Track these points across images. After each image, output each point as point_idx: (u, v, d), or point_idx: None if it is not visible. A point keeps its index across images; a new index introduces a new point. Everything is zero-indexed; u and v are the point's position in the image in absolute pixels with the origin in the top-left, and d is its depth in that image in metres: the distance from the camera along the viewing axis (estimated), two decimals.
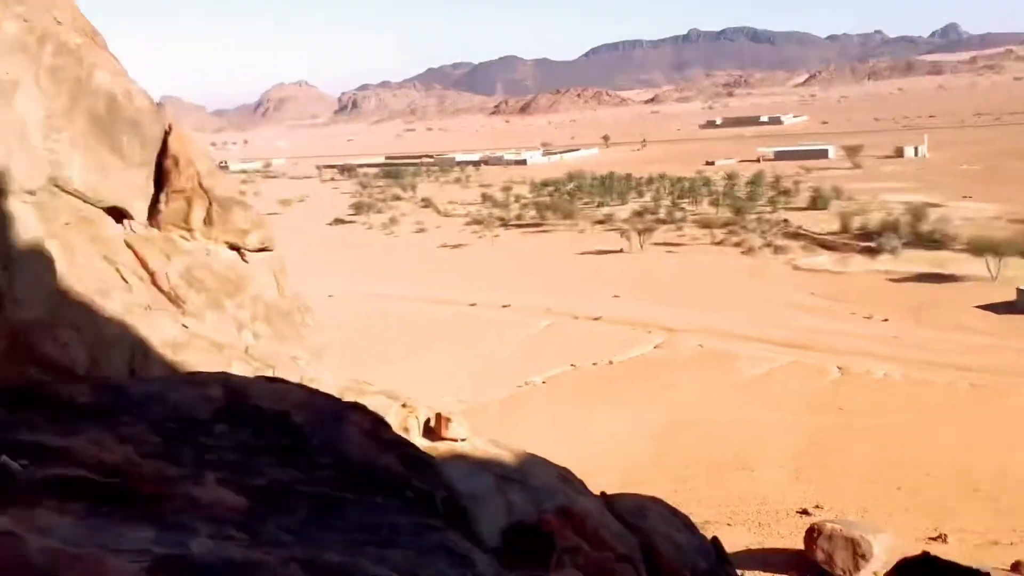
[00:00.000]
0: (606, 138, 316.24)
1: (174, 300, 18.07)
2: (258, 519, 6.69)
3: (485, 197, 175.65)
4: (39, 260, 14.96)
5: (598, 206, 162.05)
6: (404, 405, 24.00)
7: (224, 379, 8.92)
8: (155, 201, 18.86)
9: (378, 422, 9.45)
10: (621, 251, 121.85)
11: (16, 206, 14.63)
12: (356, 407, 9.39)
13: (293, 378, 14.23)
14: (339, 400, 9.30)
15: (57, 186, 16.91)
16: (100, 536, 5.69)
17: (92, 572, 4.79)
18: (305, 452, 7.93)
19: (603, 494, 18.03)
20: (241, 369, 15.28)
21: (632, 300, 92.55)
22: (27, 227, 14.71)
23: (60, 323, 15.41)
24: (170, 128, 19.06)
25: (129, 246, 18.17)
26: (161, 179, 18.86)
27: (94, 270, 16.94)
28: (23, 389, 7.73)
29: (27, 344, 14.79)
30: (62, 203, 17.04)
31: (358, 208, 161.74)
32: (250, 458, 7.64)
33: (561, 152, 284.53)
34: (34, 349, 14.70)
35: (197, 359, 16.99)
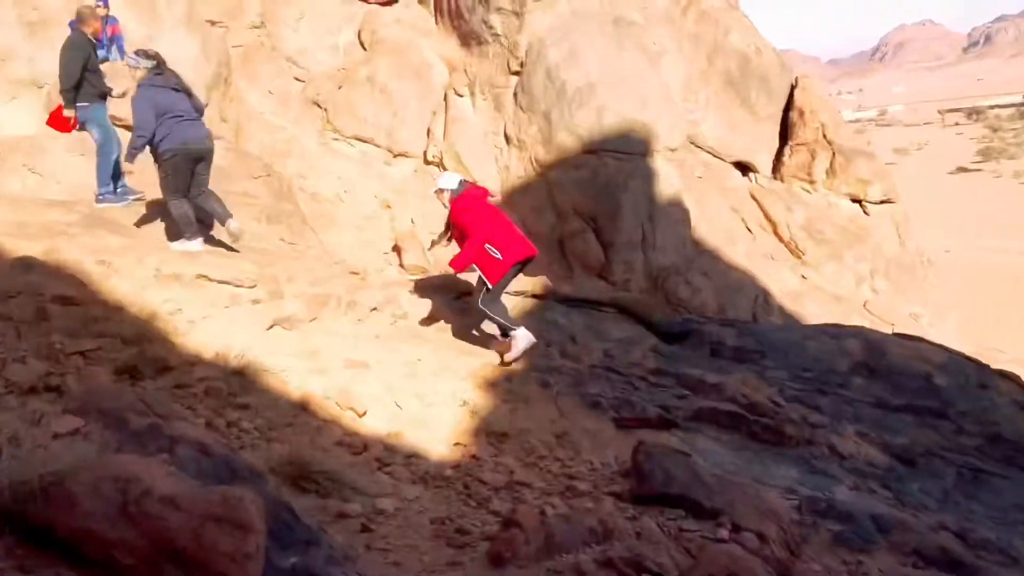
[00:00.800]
0: None
1: (794, 251, 18.48)
2: (899, 479, 6.52)
3: None
4: (677, 211, 16.53)
5: None
6: None
7: (861, 333, 8.83)
8: (778, 154, 19.44)
9: None
10: None
11: (660, 163, 16.32)
12: (1004, 375, 8.51)
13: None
14: (984, 365, 8.53)
15: (693, 143, 18.44)
16: (752, 468, 6.11)
17: (751, 500, 5.16)
18: (948, 417, 7.48)
19: None
20: (858, 323, 14.95)
21: None
22: (669, 182, 16.32)
23: (692, 269, 16.93)
24: (796, 81, 19.31)
25: (753, 197, 19.05)
26: (785, 132, 19.32)
27: (722, 220, 18.15)
28: (679, 328, 8.66)
29: (664, 287, 16.58)
30: (696, 159, 18.52)
31: (986, 154, 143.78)
32: (887, 415, 7.48)
33: None
34: (670, 292, 16.41)
35: (814, 310, 17.18)
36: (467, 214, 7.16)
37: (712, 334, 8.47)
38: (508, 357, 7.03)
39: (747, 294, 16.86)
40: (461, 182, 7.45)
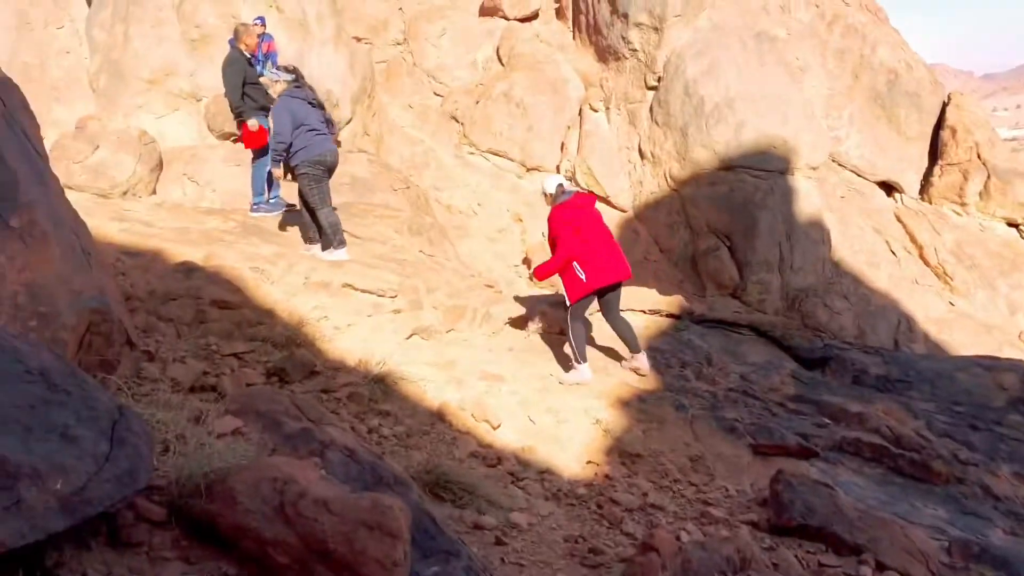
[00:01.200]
0: None
1: (941, 276, 17.54)
2: None
3: None
4: (816, 231, 15.98)
5: None
6: None
7: (1019, 366, 8.27)
8: (927, 174, 18.52)
9: None
10: None
11: (800, 181, 15.83)
12: None
13: None
14: None
15: (835, 161, 17.81)
16: (896, 505, 5.82)
17: (897, 538, 4.93)
18: None
19: None
20: (1011, 355, 14.05)
21: None
22: (809, 200, 15.80)
23: (831, 291, 16.31)
24: (949, 97, 18.37)
25: (898, 219, 18.21)
26: (935, 151, 18.40)
27: (864, 242, 17.43)
28: (819, 353, 8.36)
29: (801, 309, 16.04)
30: (838, 177, 17.89)
31: None
32: None
33: None
34: (807, 314, 15.86)
35: (962, 339, 16.23)
36: (563, 226, 6.93)
37: (854, 361, 8.13)
38: (563, 378, 6.85)
39: (889, 319, 16.12)
40: (559, 186, 7.24)
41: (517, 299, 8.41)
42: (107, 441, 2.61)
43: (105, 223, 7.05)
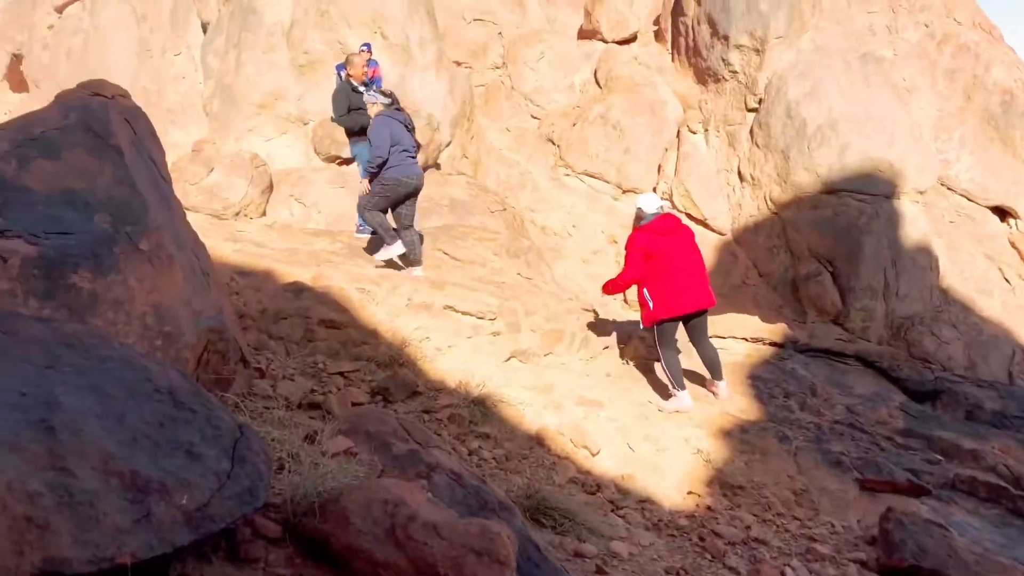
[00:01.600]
0: None
1: None
2: None
3: None
4: (923, 257, 15.40)
5: None
6: None
7: None
8: None
9: None
10: None
11: (907, 205, 15.31)
12: None
13: None
14: None
15: (944, 185, 17.14)
16: (1016, 549, 5.54)
17: None
18: None
19: None
20: None
21: None
22: (915, 225, 15.25)
23: (939, 320, 15.67)
24: None
25: (1012, 245, 17.40)
26: None
27: (975, 269, 16.70)
28: (930, 386, 8.04)
29: (906, 338, 15.45)
30: (947, 202, 17.20)
31: None
32: None
33: None
34: (913, 343, 15.27)
35: None
36: (635, 250, 6.83)
37: (968, 395, 7.78)
38: (662, 405, 6.74)
39: (1002, 350, 15.36)
40: (639, 209, 7.08)
41: (614, 323, 8.37)
42: (228, 459, 2.70)
43: (220, 243, 7.35)
